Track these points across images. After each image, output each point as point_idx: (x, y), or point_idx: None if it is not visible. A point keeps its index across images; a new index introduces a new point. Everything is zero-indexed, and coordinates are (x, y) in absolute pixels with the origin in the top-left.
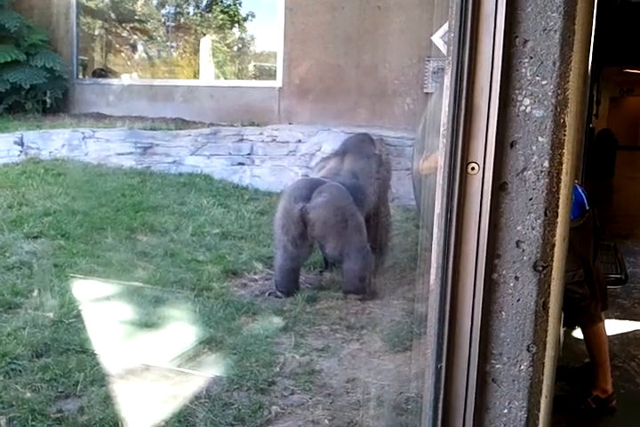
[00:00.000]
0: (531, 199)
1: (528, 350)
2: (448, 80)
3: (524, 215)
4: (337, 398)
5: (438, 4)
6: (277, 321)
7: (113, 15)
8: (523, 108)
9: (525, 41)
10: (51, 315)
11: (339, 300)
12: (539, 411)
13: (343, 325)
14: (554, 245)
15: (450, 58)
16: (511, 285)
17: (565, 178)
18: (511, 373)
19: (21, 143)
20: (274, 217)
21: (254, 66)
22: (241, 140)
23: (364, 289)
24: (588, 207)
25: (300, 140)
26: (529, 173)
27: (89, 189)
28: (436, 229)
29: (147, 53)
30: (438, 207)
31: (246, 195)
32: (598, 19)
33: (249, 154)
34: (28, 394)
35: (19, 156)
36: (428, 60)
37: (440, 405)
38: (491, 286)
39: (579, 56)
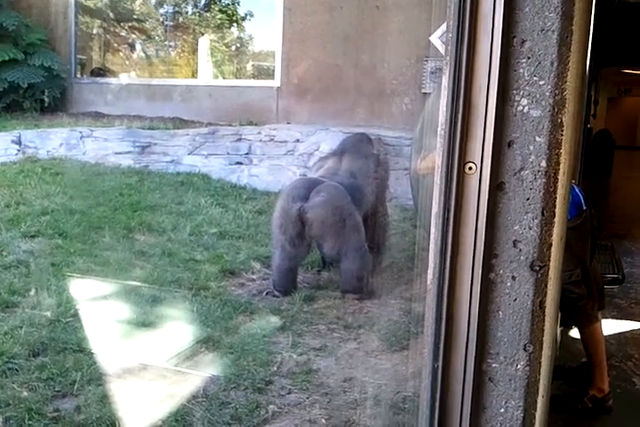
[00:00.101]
0: (528, 199)
1: (525, 349)
2: (446, 80)
3: (522, 215)
4: (334, 398)
5: (436, 4)
6: (275, 320)
7: (111, 14)
8: (520, 108)
9: (523, 41)
10: (48, 314)
11: (336, 299)
12: (535, 410)
13: (340, 324)
14: (551, 245)
15: (448, 58)
16: (508, 284)
17: (562, 178)
18: (508, 372)
19: (19, 142)
20: (272, 217)
21: (252, 65)
22: (239, 139)
23: (362, 289)
24: (585, 207)
25: (298, 140)
26: (526, 172)
27: (87, 188)
28: (433, 229)
29: (145, 53)
30: (436, 207)
31: (244, 194)
32: (596, 19)
33: (247, 153)
34: (25, 393)
35: (16, 155)
36: (426, 60)
37: (437, 404)
38: (488, 286)
39: (576, 56)
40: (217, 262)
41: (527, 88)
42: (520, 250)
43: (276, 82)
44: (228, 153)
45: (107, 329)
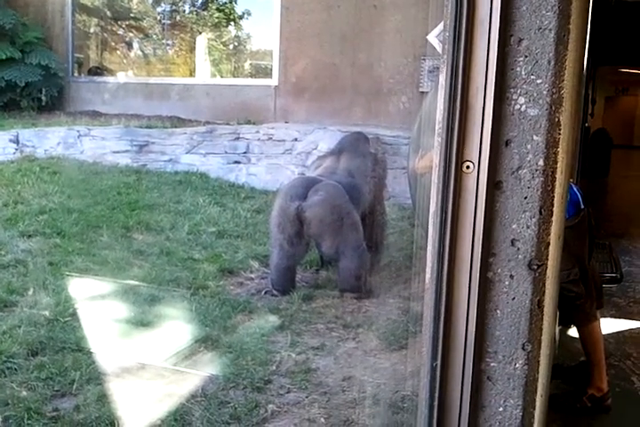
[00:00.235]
0: (526, 198)
1: (523, 348)
2: (443, 79)
3: (519, 214)
4: (333, 397)
5: (434, 2)
6: (273, 320)
7: (108, 13)
8: (518, 106)
9: (520, 40)
10: (46, 313)
11: (335, 298)
12: (534, 409)
13: (339, 323)
14: (549, 244)
15: (445, 57)
16: (506, 283)
17: (560, 177)
18: (506, 371)
19: (17, 141)
20: (270, 215)
21: (250, 64)
22: (237, 138)
23: (360, 288)
24: (582, 206)
25: (296, 139)
26: (524, 171)
27: (84, 187)
28: (431, 228)
29: (142, 51)
30: (433, 206)
31: (242, 193)
32: (593, 18)
33: (245, 152)
34: (24, 393)
35: (14, 154)
36: (424, 59)
37: (435, 403)
38: (486, 285)
39: (574, 55)
40: (215, 261)
41: (524, 87)
42: (518, 249)
43: (273, 81)
44: (226, 152)
45: (105, 328)
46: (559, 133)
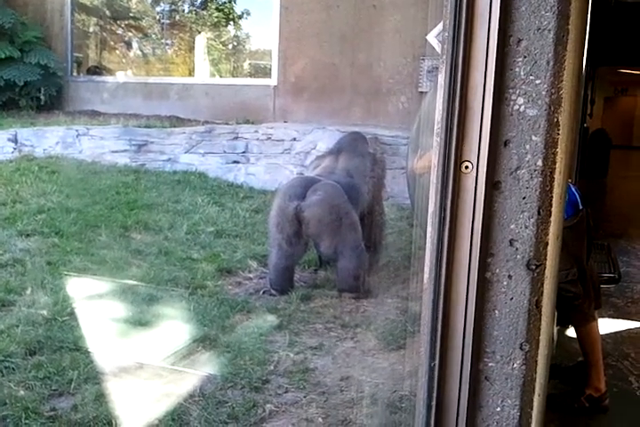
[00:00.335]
0: (524, 198)
1: (521, 348)
2: (442, 79)
3: (518, 214)
4: (331, 397)
5: (433, 2)
6: (272, 319)
7: (108, 12)
8: (516, 107)
9: (519, 40)
10: (44, 313)
11: (333, 298)
12: (531, 409)
13: (337, 323)
14: (547, 244)
15: (444, 57)
16: (504, 283)
17: (559, 177)
18: (504, 371)
19: (15, 140)
20: (268, 215)
21: (249, 64)
22: (236, 138)
23: (359, 287)
24: (581, 206)
25: (294, 139)
26: (522, 171)
27: (83, 186)
28: (429, 228)
29: (141, 51)
30: (432, 206)
31: (241, 193)
32: (593, 19)
33: (244, 152)
34: (22, 392)
35: (12, 153)
36: (423, 59)
37: (433, 403)
38: (484, 285)
39: (573, 55)
40: (214, 261)
41: (523, 87)
42: (516, 249)
43: (272, 80)
44: (225, 151)
45: (103, 328)
46: (558, 134)
